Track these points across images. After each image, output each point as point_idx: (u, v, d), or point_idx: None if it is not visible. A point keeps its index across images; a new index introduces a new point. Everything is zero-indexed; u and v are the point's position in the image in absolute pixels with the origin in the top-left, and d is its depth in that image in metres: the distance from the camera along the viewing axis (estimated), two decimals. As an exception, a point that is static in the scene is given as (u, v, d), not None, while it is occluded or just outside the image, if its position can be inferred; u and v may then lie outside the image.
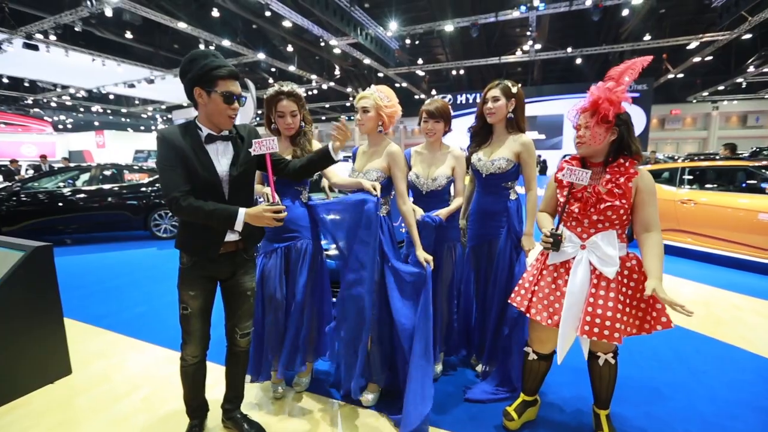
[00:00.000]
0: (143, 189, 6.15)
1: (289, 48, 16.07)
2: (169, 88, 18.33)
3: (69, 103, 23.68)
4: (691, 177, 5.04)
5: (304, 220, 2.01)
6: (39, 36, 11.92)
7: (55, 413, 2.00)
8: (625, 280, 1.56)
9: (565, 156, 1.94)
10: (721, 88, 19.77)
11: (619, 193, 1.54)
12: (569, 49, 15.87)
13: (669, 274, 4.10)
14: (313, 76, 18.72)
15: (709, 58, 15.98)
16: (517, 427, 1.87)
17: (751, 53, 16.14)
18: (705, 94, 21.26)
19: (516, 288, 1.81)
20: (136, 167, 7.26)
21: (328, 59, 17.79)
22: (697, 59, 16.13)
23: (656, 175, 5.46)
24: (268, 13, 12.02)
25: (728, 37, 13.59)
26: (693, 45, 14.72)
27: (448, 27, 13.09)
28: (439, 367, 2.30)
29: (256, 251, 1.79)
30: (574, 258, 1.62)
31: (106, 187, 6.10)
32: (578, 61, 16.83)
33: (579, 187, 1.61)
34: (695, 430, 1.87)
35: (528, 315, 1.72)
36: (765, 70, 16.57)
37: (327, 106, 26.41)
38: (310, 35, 14.14)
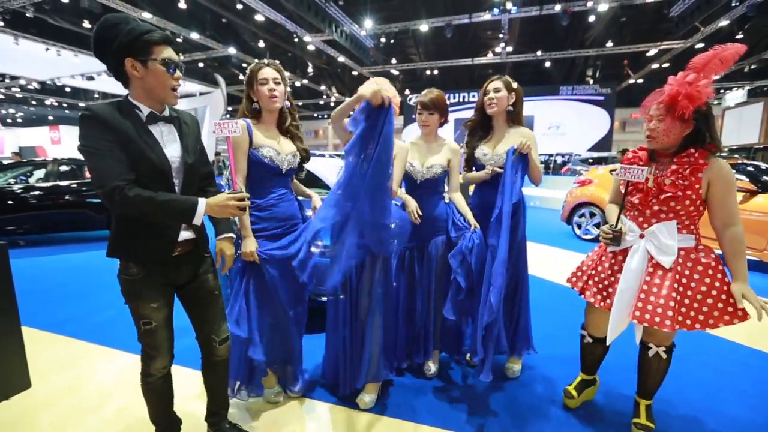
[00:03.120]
0: (106, 186, 5.75)
1: (261, 44, 15.62)
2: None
3: (19, 96, 21.95)
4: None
5: (299, 214, 1.91)
6: (-16, 21, 10.98)
7: (14, 432, 1.79)
8: (687, 272, 1.52)
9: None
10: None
11: (683, 185, 1.50)
12: (539, 53, 16.34)
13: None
14: (286, 73, 18.30)
15: (666, 65, 16.90)
16: (577, 405, 1.95)
17: (703, 62, 17.22)
18: (659, 99, 22.53)
19: (574, 270, 1.88)
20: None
21: (301, 56, 17.43)
22: (655, 66, 17.03)
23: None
24: (239, 6, 11.62)
25: (683, 45, 14.43)
26: (652, 52, 15.54)
27: (423, 27, 13.15)
28: (435, 366, 2.24)
29: (207, 247, 1.57)
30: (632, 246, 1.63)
31: (64, 183, 5.65)
32: (547, 64, 17.35)
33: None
34: (689, 415, 1.92)
35: (583, 296, 1.80)
36: (715, 78, 17.74)
37: (300, 104, 25.94)
38: (283, 31, 13.80)
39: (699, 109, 1.45)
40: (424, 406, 1.99)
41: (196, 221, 1.28)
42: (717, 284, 1.49)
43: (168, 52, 1.27)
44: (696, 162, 1.48)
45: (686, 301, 1.50)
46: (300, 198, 1.99)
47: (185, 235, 1.40)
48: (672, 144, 1.54)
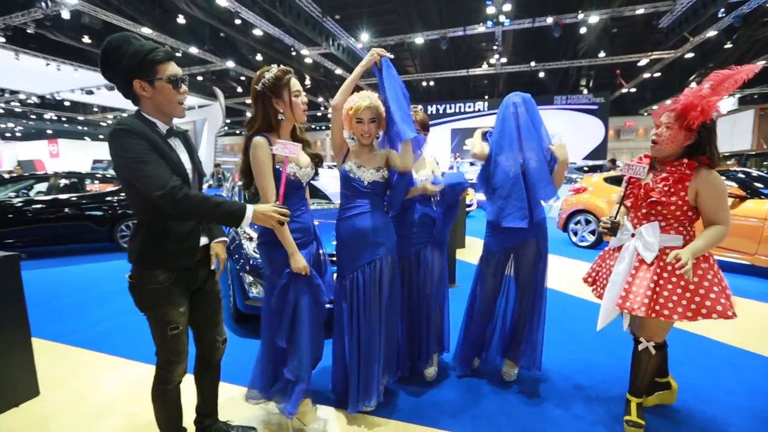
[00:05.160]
0: (108, 199, 5.82)
1: (259, 57, 15.87)
2: (131, 95, 17.50)
3: (18, 110, 22.12)
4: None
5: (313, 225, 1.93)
6: (-14, 38, 11.14)
7: (24, 439, 1.83)
8: (670, 267, 1.62)
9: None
10: (668, 102, 21.34)
11: (666, 191, 1.62)
12: (533, 63, 16.65)
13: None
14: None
15: (658, 74, 17.25)
16: (645, 404, 1.95)
17: (693, 71, 17.61)
18: (655, 107, 22.80)
19: (588, 269, 2.05)
20: (98, 175, 6.84)
21: (298, 69, 17.69)
22: (647, 75, 17.38)
23: (621, 180, 5.80)
24: (238, 21, 11.84)
25: (673, 55, 14.76)
26: (643, 62, 15.88)
27: (419, 39, 13.41)
28: (433, 370, 2.30)
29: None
30: None
31: (64, 196, 5.71)
32: (541, 74, 17.67)
33: (637, 182, 1.75)
34: (680, 415, 1.97)
35: (588, 285, 2.02)
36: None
37: (297, 115, 26.17)
38: (281, 45, 14.04)
39: (705, 123, 1.55)
40: (429, 409, 2.04)
41: (244, 225, 1.36)
42: (695, 280, 1.59)
43: (172, 68, 1.33)
44: (683, 172, 1.60)
45: (665, 293, 1.60)
46: None
47: (203, 241, 1.50)
48: (673, 152, 1.65)
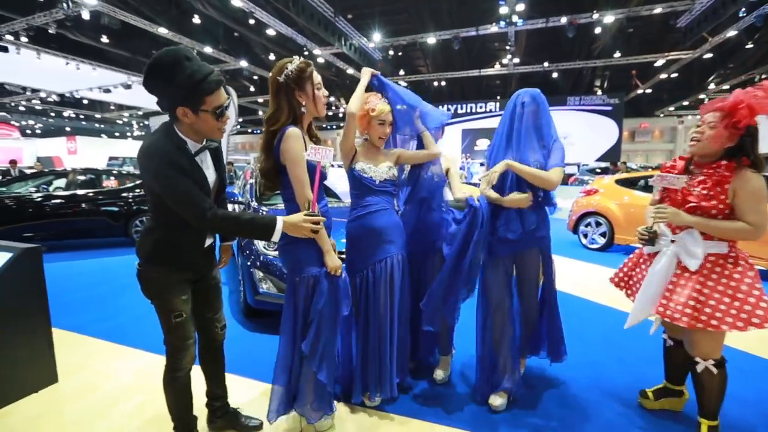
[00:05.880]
0: (124, 195, 5.96)
1: (272, 56, 16.03)
2: (147, 93, 17.86)
3: (39, 108, 22.76)
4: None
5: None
6: (9, 37, 11.50)
7: (42, 423, 1.91)
8: (714, 276, 1.58)
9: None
10: (685, 103, 20.95)
11: (705, 195, 1.57)
12: (546, 64, 16.49)
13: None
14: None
15: (675, 75, 16.92)
16: (653, 407, 1.99)
17: (712, 71, 17.22)
18: (671, 108, 22.45)
19: (617, 270, 2.04)
20: (114, 172, 7.01)
21: (311, 68, 17.80)
22: (663, 76, 17.06)
23: (632, 183, 5.73)
24: (251, 21, 11.99)
25: (691, 55, 14.46)
26: (659, 62, 15.59)
27: (431, 39, 13.39)
28: (442, 372, 2.29)
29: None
30: None
31: (82, 192, 5.86)
32: (554, 75, 17.48)
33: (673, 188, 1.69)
34: (687, 419, 1.96)
35: (619, 288, 2.00)
36: (724, 87, 17.71)
37: (309, 114, 26.32)
38: (293, 44, 14.15)
39: (749, 127, 1.53)
40: (433, 406, 2.07)
41: (275, 238, 1.41)
42: (744, 288, 1.53)
43: (220, 98, 1.34)
44: (722, 174, 1.55)
45: (711, 302, 1.55)
46: None
47: (208, 241, 1.58)
48: (712, 153, 1.61)
